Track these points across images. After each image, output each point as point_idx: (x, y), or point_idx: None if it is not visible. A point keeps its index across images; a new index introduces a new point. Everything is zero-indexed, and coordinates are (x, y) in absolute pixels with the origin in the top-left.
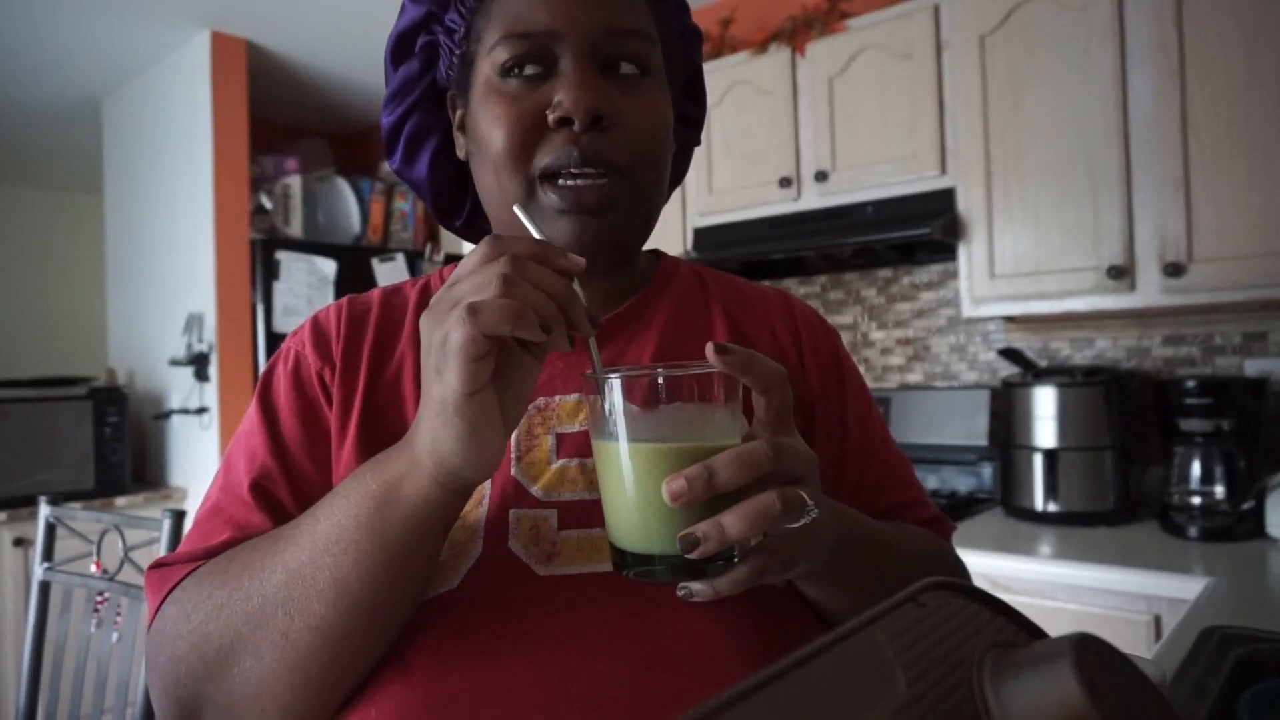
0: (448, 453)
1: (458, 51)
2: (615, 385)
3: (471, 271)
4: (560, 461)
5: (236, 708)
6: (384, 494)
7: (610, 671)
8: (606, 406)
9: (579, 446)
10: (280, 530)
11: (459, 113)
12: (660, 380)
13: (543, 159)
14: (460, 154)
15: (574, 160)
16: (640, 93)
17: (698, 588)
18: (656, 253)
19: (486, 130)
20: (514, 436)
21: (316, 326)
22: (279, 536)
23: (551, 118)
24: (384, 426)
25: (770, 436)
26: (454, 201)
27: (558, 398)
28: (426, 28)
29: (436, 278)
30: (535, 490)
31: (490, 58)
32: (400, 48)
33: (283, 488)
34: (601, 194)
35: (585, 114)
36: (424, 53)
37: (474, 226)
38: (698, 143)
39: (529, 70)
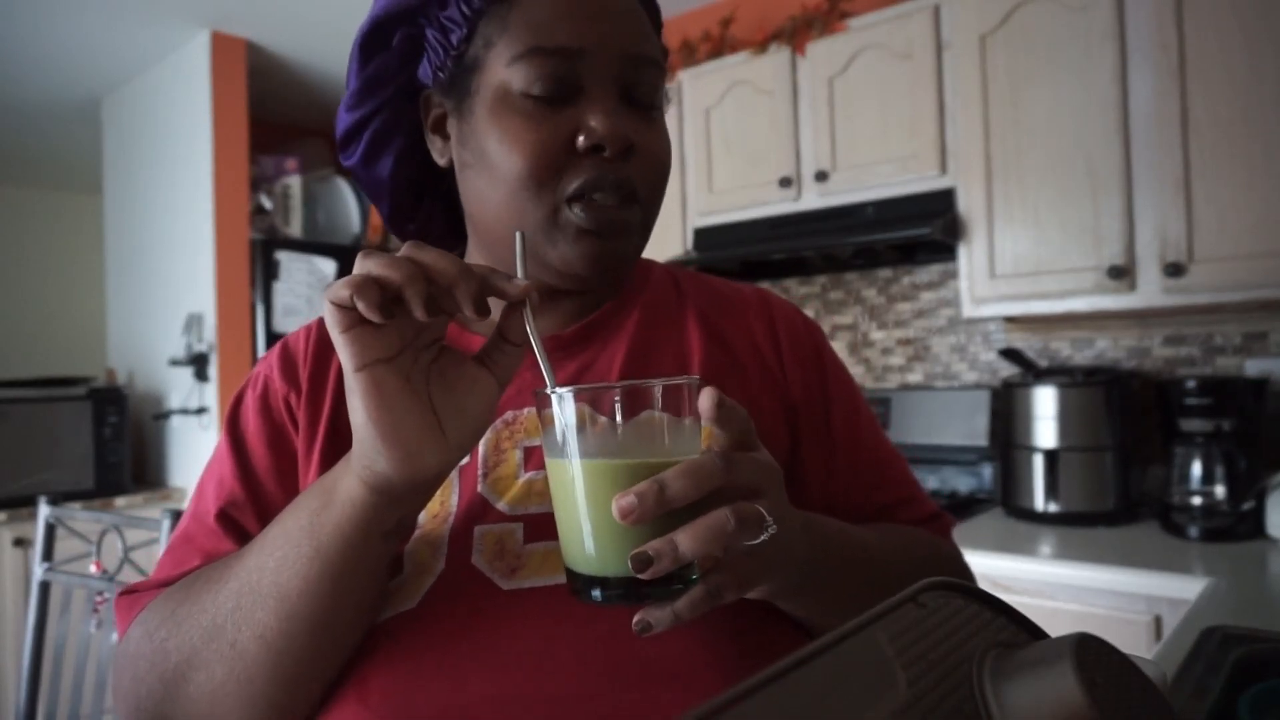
0: (360, 440)
1: (453, 52)
2: (566, 400)
3: None
4: (528, 475)
5: None
6: (322, 497)
7: (577, 686)
8: (557, 423)
9: None
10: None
11: (435, 112)
12: (614, 395)
13: (571, 182)
14: (440, 160)
15: (608, 184)
16: (654, 124)
17: (656, 616)
18: None
19: (502, 148)
20: (481, 452)
21: (285, 351)
22: (241, 551)
23: (584, 143)
24: (347, 447)
25: (724, 449)
26: (410, 208)
27: (526, 411)
28: (409, 20)
29: None
30: (501, 505)
31: (510, 70)
32: (374, 38)
33: (250, 515)
34: (625, 218)
35: (619, 143)
36: (403, 47)
37: (426, 236)
38: None
39: (554, 92)
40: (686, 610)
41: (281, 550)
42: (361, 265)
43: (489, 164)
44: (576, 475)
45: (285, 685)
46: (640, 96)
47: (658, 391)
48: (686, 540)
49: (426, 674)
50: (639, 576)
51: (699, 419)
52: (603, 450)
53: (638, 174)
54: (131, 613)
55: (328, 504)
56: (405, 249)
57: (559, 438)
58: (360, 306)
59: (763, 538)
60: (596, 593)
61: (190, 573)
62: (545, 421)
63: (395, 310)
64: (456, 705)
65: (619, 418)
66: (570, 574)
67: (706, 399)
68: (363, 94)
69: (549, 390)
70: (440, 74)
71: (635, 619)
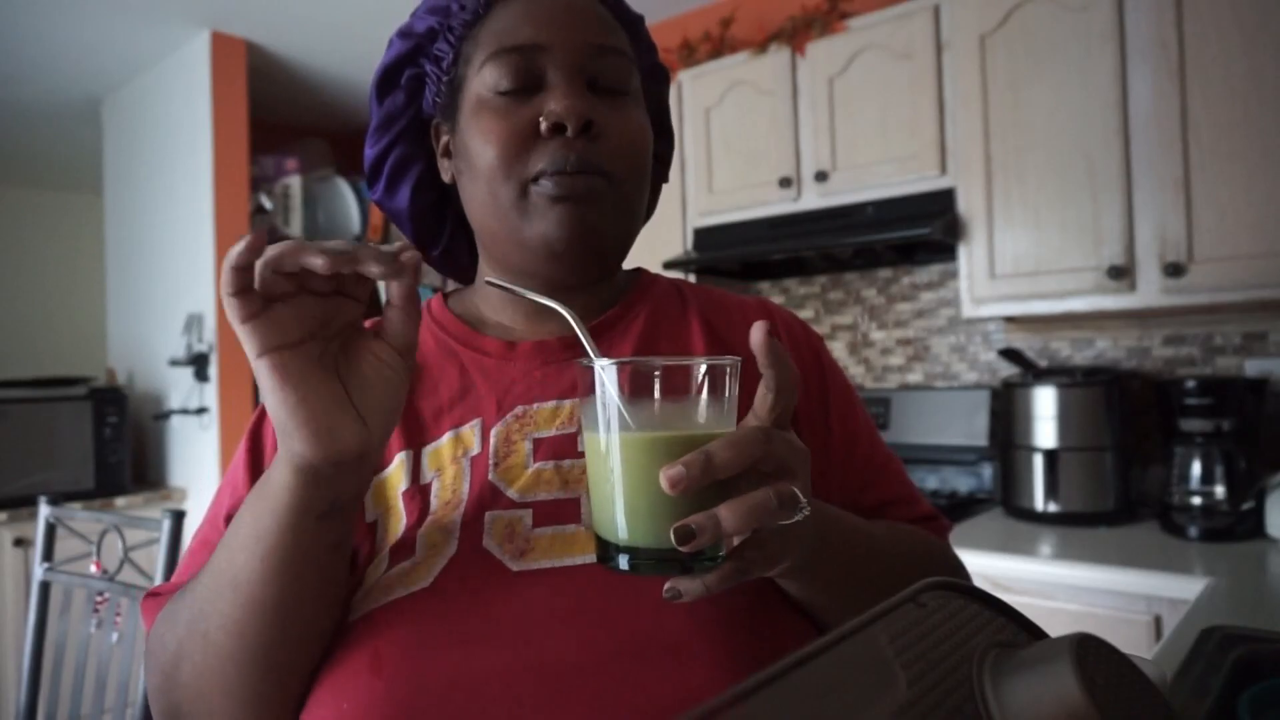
0: (277, 426)
1: (445, 78)
2: (609, 373)
3: None
4: (537, 465)
5: (193, 711)
6: (260, 488)
7: (581, 660)
8: (600, 394)
9: (555, 450)
10: None
11: (444, 139)
12: (655, 370)
13: (537, 163)
14: (445, 177)
15: (570, 164)
16: (623, 108)
17: (686, 586)
18: (637, 270)
19: (478, 144)
20: (492, 443)
21: None
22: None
23: (544, 125)
24: None
25: (764, 425)
26: (432, 232)
27: (535, 405)
28: (413, 61)
29: (425, 308)
30: (511, 493)
31: (480, 76)
32: (386, 81)
33: None
34: (591, 185)
35: (577, 120)
36: (409, 85)
37: (451, 256)
38: (665, 179)
39: (519, 84)
40: (716, 583)
41: (235, 542)
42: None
43: (472, 163)
44: (614, 447)
45: (257, 672)
46: (606, 84)
47: (698, 370)
48: (729, 516)
49: (438, 647)
50: (680, 549)
51: (735, 399)
52: (641, 424)
53: (604, 152)
54: (154, 614)
55: (263, 494)
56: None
57: (599, 409)
58: (258, 278)
59: (796, 518)
60: (624, 561)
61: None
62: (585, 392)
63: (288, 284)
64: (465, 676)
65: (658, 393)
66: (600, 542)
67: (757, 331)
68: (379, 130)
69: (595, 362)
70: (438, 100)
71: (666, 587)
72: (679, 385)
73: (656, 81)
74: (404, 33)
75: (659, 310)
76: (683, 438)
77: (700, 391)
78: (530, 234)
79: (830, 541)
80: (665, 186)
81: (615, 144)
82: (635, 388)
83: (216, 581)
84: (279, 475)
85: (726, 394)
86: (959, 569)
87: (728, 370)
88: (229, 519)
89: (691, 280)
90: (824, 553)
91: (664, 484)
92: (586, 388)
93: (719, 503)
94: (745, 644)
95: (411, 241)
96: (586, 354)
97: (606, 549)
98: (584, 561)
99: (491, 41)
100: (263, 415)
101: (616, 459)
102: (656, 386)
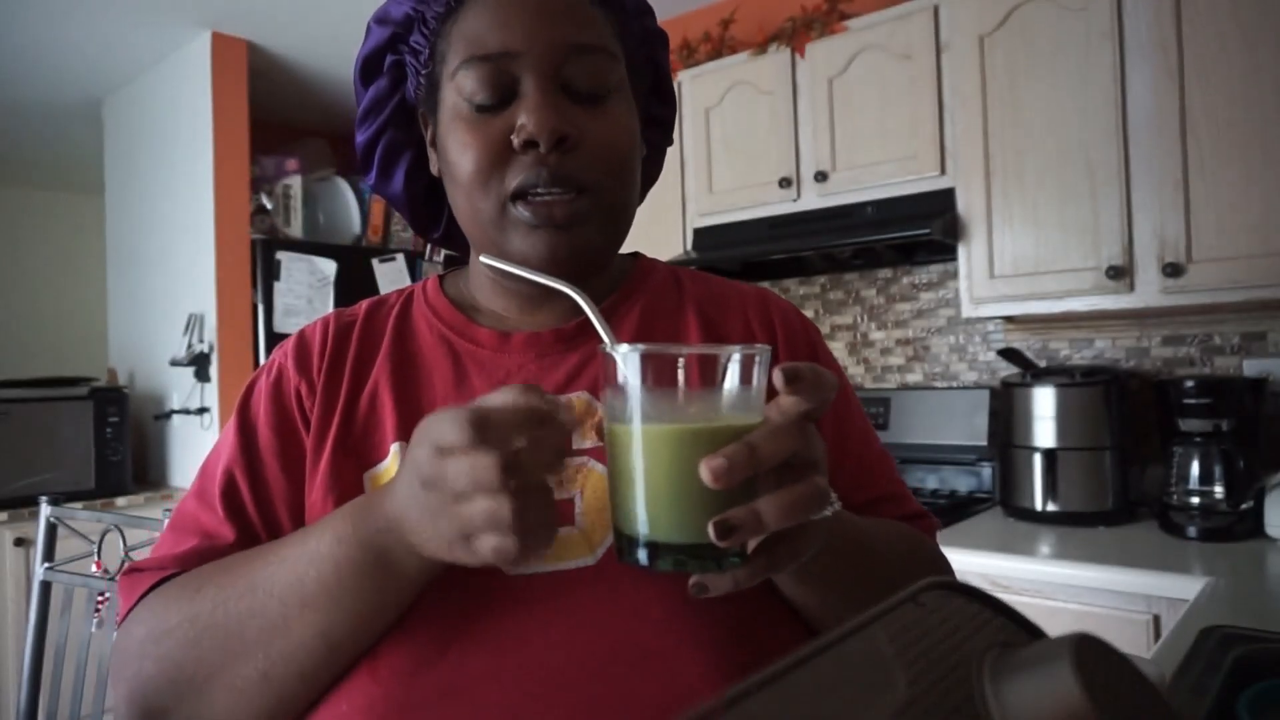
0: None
1: (423, 72)
2: (631, 360)
3: (461, 457)
4: None
5: (205, 717)
6: (372, 571)
7: (574, 665)
8: (626, 385)
9: None
10: (253, 562)
11: (430, 129)
12: (682, 358)
13: (513, 180)
14: (434, 169)
15: (543, 180)
16: (603, 112)
17: (714, 582)
18: (636, 255)
19: (455, 155)
20: None
21: (301, 341)
22: (254, 573)
23: (517, 141)
24: (359, 443)
25: (798, 418)
26: (430, 213)
27: None
28: (393, 48)
29: (420, 290)
30: None
31: (454, 83)
32: (369, 68)
33: (248, 496)
34: (570, 210)
35: (549, 136)
36: (392, 71)
37: (451, 236)
38: (670, 143)
39: (492, 96)
40: (746, 579)
41: (325, 604)
42: (469, 484)
43: (451, 172)
44: (636, 438)
45: (309, 698)
46: (583, 87)
47: (728, 358)
48: (771, 512)
49: (434, 651)
50: (718, 543)
51: (763, 390)
52: (666, 414)
53: (581, 164)
54: (134, 594)
55: (374, 575)
56: (463, 431)
57: (620, 398)
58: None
59: (827, 513)
60: (643, 555)
61: (188, 553)
62: (608, 380)
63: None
64: (458, 681)
65: (684, 382)
66: (618, 535)
67: (778, 377)
68: (367, 116)
69: (611, 349)
70: (419, 94)
71: (691, 582)
72: (708, 375)
73: (652, 47)
74: (381, 19)
75: (654, 301)
76: (711, 430)
77: (728, 381)
78: (512, 252)
79: (832, 540)
80: (665, 186)
81: (592, 153)
82: (660, 376)
83: (287, 632)
84: (417, 565)
85: (755, 384)
86: (947, 568)
87: (757, 359)
88: (223, 497)
89: None
90: (831, 552)
91: (705, 476)
92: (608, 375)
93: (744, 497)
94: (736, 648)
95: (410, 224)
96: (582, 345)
97: (623, 543)
98: (576, 566)
99: (463, 47)
100: (251, 389)
101: (638, 450)
102: (683, 375)
